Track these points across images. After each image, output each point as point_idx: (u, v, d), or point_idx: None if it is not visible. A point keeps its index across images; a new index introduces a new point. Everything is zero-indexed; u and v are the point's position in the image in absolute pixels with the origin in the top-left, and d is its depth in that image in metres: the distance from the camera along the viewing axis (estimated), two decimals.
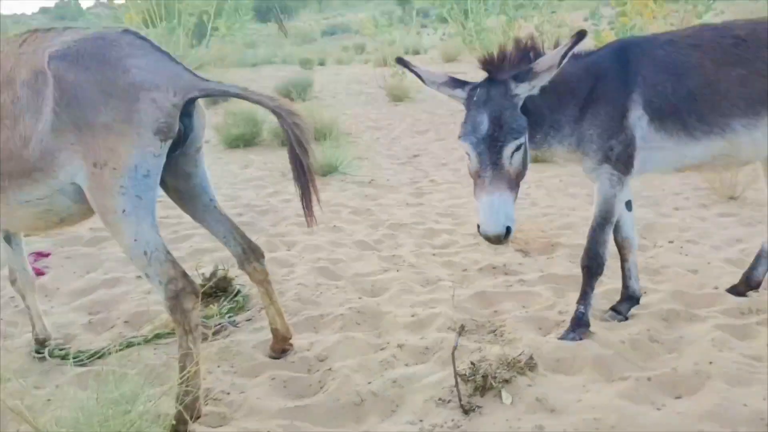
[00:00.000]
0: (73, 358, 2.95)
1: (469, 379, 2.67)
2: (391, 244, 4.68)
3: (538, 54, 2.79)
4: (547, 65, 2.67)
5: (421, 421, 2.52)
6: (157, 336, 3.22)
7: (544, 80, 2.70)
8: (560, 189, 6.13)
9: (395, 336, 3.20)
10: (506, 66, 2.73)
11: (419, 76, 2.90)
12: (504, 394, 2.61)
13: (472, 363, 2.71)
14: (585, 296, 3.09)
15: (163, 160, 2.51)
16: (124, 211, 2.44)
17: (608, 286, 3.62)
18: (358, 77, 16.62)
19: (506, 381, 2.65)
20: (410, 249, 4.53)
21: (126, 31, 2.59)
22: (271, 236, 4.87)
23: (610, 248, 3.09)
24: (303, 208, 2.67)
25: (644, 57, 2.90)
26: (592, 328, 3.07)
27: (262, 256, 2.98)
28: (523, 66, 2.72)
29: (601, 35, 10.57)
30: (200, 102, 2.70)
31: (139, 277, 4.14)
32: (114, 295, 3.86)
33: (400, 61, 3.01)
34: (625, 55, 2.90)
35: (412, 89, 12.90)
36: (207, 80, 2.60)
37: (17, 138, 2.49)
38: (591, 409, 2.47)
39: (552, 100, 2.85)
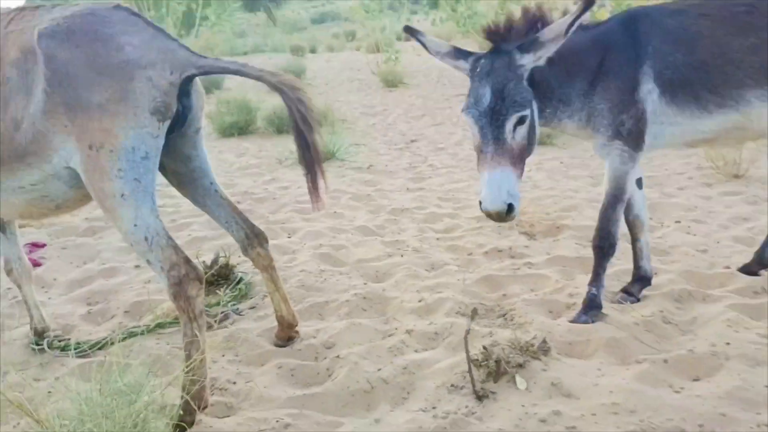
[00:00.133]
0: (75, 348, 2.86)
1: (482, 364, 2.59)
2: (393, 230, 4.60)
3: (546, 24, 2.69)
4: (554, 35, 2.57)
5: (434, 408, 2.45)
6: (159, 325, 3.13)
7: (550, 51, 2.60)
8: (561, 171, 6.06)
9: (403, 322, 3.13)
10: (513, 36, 2.63)
11: (424, 45, 2.82)
12: (518, 379, 2.54)
13: (484, 348, 2.64)
14: (597, 277, 3.02)
15: (162, 141, 2.41)
16: (122, 195, 2.34)
17: (618, 267, 3.55)
18: (351, 64, 16.48)
19: (520, 366, 2.58)
20: (413, 234, 4.45)
21: (118, 6, 2.47)
22: (270, 223, 4.78)
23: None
24: (309, 189, 2.57)
25: (654, 27, 2.81)
26: (604, 310, 3.00)
27: (266, 240, 2.89)
28: (531, 36, 2.64)
29: (595, 15, 10.47)
30: (198, 81, 2.59)
31: (138, 266, 4.05)
32: (112, 285, 3.77)
33: (408, 30, 2.93)
34: (635, 26, 2.81)
35: (405, 75, 12.81)
36: (204, 57, 2.49)
37: (8, 121, 2.39)
38: (609, 393, 2.40)
39: (561, 72, 2.76)
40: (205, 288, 2.48)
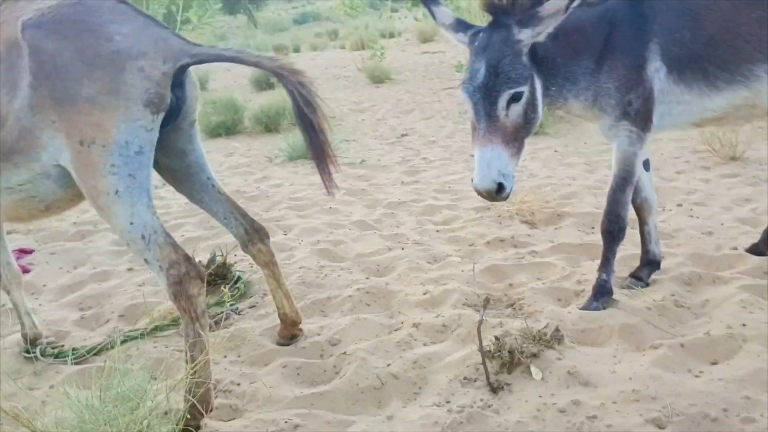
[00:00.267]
0: (72, 354, 2.75)
1: (495, 355, 2.51)
2: (391, 223, 4.51)
3: None
4: (554, 10, 2.50)
5: (447, 402, 2.36)
6: (156, 328, 3.02)
7: (549, 27, 2.53)
8: (557, 160, 5.99)
9: (409, 315, 3.04)
10: (516, 10, 2.55)
11: (433, 14, 2.77)
12: (533, 369, 2.46)
13: (496, 338, 2.56)
14: (607, 263, 2.95)
15: (156, 134, 2.30)
16: (116, 192, 2.24)
17: (623, 252, 3.47)
18: (336, 62, 16.31)
19: (534, 355, 2.51)
20: (412, 227, 4.36)
21: None
22: (265, 221, 4.62)
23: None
24: (320, 173, 2.47)
25: (660, 3, 2.73)
26: (614, 296, 2.93)
27: (267, 236, 2.79)
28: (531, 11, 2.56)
29: None
30: (192, 70, 2.48)
31: (131, 269, 3.94)
32: (105, 289, 3.65)
33: None
34: (641, 2, 2.74)
35: (392, 71, 12.70)
36: (198, 45, 2.39)
37: None
38: (627, 380, 2.33)
39: (566, 49, 2.69)
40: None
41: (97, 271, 3.93)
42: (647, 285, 3.13)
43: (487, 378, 2.41)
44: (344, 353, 2.71)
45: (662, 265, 3.24)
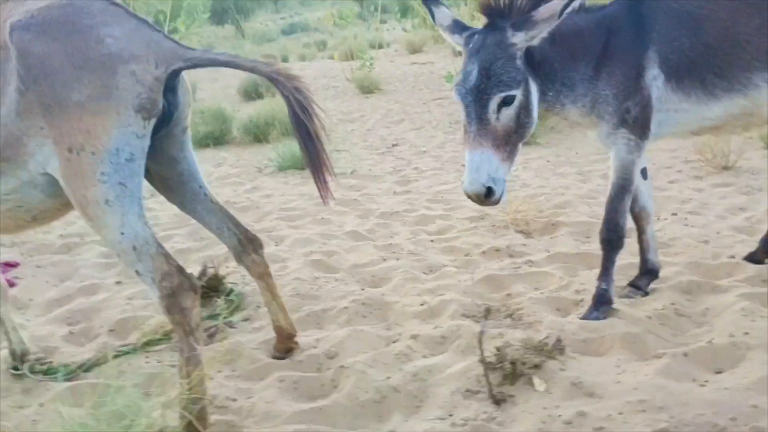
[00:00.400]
0: (64, 372, 2.66)
1: (497, 366, 2.46)
2: (385, 233, 4.46)
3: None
4: (548, 14, 2.48)
5: (450, 415, 2.31)
6: (148, 343, 2.94)
7: (543, 31, 2.51)
8: (549, 169, 5.98)
9: (406, 327, 2.98)
10: (513, 13, 2.52)
11: (432, 14, 2.75)
12: (536, 380, 2.41)
13: (497, 349, 2.50)
14: (606, 272, 2.91)
15: (148, 141, 2.24)
16: (106, 201, 2.17)
17: (621, 261, 3.43)
18: (325, 72, 16.27)
19: (536, 366, 2.45)
20: (406, 237, 4.31)
21: None
22: (256, 232, 4.52)
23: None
24: (315, 182, 2.41)
25: (658, 11, 2.72)
26: (614, 306, 2.90)
27: (261, 246, 2.73)
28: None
29: None
30: (184, 76, 2.42)
31: (119, 282, 3.84)
32: (93, 303, 3.55)
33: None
34: (639, 9, 2.73)
35: (381, 81, 12.68)
36: (192, 49, 2.33)
37: None
38: (633, 390, 2.29)
39: (564, 55, 2.68)
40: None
41: (85, 285, 3.83)
42: (646, 294, 3.10)
43: (490, 390, 2.36)
44: (342, 366, 2.64)
45: (661, 273, 3.21)
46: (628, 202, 2.87)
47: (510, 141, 2.54)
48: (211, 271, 3.46)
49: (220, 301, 3.22)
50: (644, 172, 3.07)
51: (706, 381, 2.37)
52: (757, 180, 4.89)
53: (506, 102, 2.49)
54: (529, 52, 2.58)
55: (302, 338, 2.92)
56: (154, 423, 1.91)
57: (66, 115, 2.12)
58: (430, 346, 2.80)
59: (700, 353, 2.52)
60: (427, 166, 6.60)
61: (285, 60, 21.48)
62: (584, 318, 2.86)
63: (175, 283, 2.19)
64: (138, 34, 2.22)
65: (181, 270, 2.23)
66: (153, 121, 2.23)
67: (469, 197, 2.53)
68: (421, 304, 3.17)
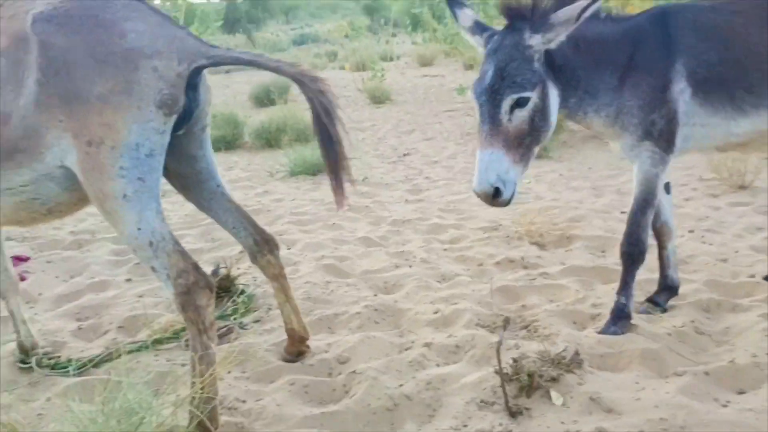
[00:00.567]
0: (70, 366, 2.61)
1: (513, 378, 2.41)
2: (397, 240, 4.41)
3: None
4: (565, 18, 2.45)
5: (465, 426, 2.25)
6: (158, 341, 2.90)
7: (560, 34, 2.47)
8: (562, 183, 5.93)
9: (420, 334, 2.93)
10: (534, 15, 2.49)
11: (455, 15, 2.76)
12: (553, 394, 2.36)
13: (514, 360, 2.45)
14: (626, 286, 2.86)
15: (168, 137, 2.21)
16: (124, 196, 2.13)
17: (638, 276, 3.38)
18: (336, 81, 16.26)
19: (554, 379, 2.40)
20: (419, 245, 4.27)
21: None
22: None
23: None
24: (333, 187, 2.38)
25: (687, 24, 2.69)
26: (632, 321, 2.84)
27: (277, 247, 2.69)
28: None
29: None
30: (206, 74, 2.40)
31: (129, 279, 3.82)
32: (103, 299, 3.52)
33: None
34: (667, 22, 2.69)
35: (392, 92, 12.68)
36: (215, 46, 2.31)
37: None
38: (654, 408, 2.23)
39: (588, 62, 2.64)
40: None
41: (94, 281, 3.80)
42: (665, 310, 3.05)
43: (506, 402, 2.31)
44: (354, 372, 2.59)
45: (680, 290, 3.16)
46: (650, 217, 2.82)
47: (523, 143, 2.50)
48: (223, 272, 3.43)
49: (233, 302, 3.17)
50: (667, 187, 3.02)
51: (728, 401, 2.31)
52: None
53: (519, 103, 2.46)
54: (549, 56, 2.54)
55: (313, 342, 2.88)
56: (164, 421, 1.86)
57: (86, 109, 2.09)
58: (444, 354, 2.75)
59: (721, 373, 2.46)
60: (439, 176, 6.56)
61: None
62: (602, 332, 2.80)
63: (190, 280, 2.15)
64: (161, 30, 2.20)
65: (196, 267, 2.19)
66: (174, 118, 2.20)
67: (478, 196, 2.51)
68: (435, 312, 3.12)
